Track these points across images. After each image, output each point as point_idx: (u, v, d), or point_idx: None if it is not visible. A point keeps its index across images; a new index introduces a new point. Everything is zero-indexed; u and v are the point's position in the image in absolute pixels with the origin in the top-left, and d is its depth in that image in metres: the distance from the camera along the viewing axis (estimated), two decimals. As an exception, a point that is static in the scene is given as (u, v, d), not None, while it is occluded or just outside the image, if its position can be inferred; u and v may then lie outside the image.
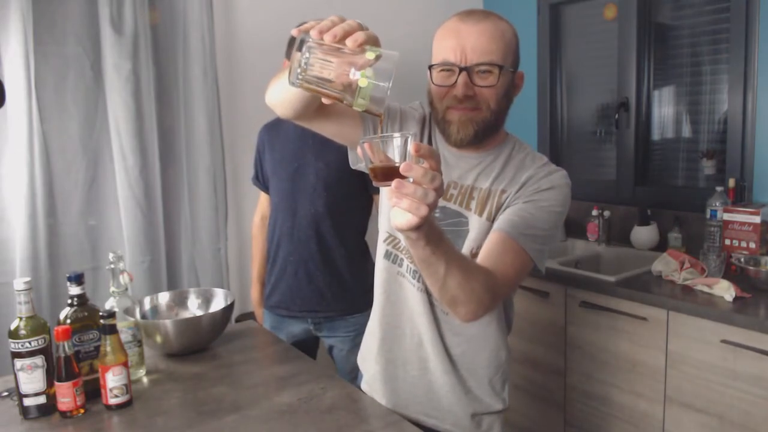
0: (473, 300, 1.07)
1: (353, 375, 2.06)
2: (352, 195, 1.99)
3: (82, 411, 1.32)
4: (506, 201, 1.22)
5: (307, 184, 1.96)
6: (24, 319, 1.29)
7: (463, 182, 1.26)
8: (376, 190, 2.01)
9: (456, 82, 1.17)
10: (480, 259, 1.15)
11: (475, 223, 1.23)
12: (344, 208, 1.98)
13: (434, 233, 0.95)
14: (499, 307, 1.32)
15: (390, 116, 1.32)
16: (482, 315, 1.13)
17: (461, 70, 1.16)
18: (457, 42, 1.18)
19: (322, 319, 2.03)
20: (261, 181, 2.14)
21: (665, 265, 2.17)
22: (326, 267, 1.99)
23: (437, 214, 1.25)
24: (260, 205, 2.22)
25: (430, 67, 1.22)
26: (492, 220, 1.22)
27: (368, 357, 1.45)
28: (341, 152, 1.93)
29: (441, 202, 1.25)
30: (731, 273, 2.12)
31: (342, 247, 2.00)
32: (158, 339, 1.59)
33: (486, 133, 1.22)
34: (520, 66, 1.27)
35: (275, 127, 2.07)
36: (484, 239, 1.19)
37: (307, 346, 2.07)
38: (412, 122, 1.32)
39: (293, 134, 1.99)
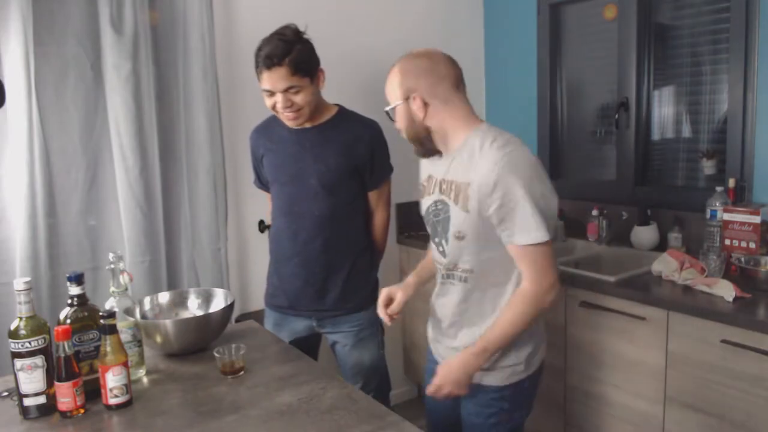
0: (539, 315, 1.50)
1: (355, 370, 2.06)
2: (353, 195, 1.99)
3: (82, 411, 1.33)
4: (476, 199, 1.41)
5: (309, 188, 1.94)
6: (24, 319, 1.29)
7: (446, 176, 1.50)
8: (372, 187, 2.02)
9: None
10: (520, 274, 1.47)
11: (454, 211, 1.47)
12: (347, 208, 1.98)
13: (480, 364, 1.48)
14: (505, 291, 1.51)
15: None
16: (553, 300, 1.47)
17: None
18: None
19: (327, 316, 2.03)
20: (264, 183, 2.13)
21: (665, 265, 2.17)
22: (331, 268, 1.99)
23: (439, 206, 1.52)
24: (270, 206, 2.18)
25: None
26: (466, 210, 1.43)
27: None
28: (339, 154, 1.93)
29: (438, 196, 1.53)
30: (731, 273, 2.12)
31: (346, 247, 2.00)
32: (158, 339, 1.59)
33: (418, 148, 1.55)
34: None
35: (268, 131, 2.04)
36: (463, 224, 1.45)
37: (310, 343, 2.07)
38: None
39: (289, 138, 1.97)
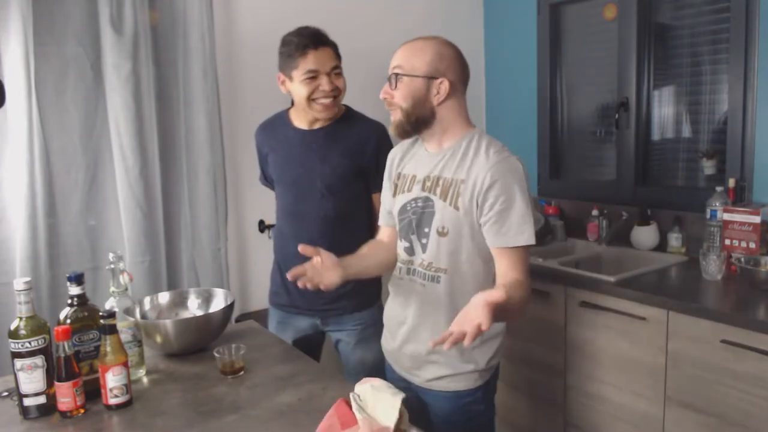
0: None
1: (357, 369, 2.06)
2: (358, 197, 1.99)
3: (82, 411, 1.33)
4: (469, 196, 1.43)
5: (314, 190, 1.93)
6: (24, 319, 1.29)
7: (433, 173, 1.51)
8: (376, 190, 2.02)
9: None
10: (503, 273, 1.42)
11: (439, 206, 1.48)
12: (351, 210, 1.98)
13: (497, 316, 1.17)
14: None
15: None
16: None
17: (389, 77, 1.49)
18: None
19: (330, 315, 2.03)
20: (269, 180, 2.11)
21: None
22: None
23: (420, 204, 1.51)
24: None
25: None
26: (455, 206, 1.45)
27: None
28: (345, 156, 1.93)
29: (422, 193, 1.52)
30: (731, 273, 2.12)
31: (350, 247, 1.99)
32: (158, 339, 1.59)
33: (408, 128, 1.49)
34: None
35: (272, 129, 2.04)
36: (448, 220, 1.46)
37: (313, 342, 2.08)
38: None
39: (295, 139, 1.96)
